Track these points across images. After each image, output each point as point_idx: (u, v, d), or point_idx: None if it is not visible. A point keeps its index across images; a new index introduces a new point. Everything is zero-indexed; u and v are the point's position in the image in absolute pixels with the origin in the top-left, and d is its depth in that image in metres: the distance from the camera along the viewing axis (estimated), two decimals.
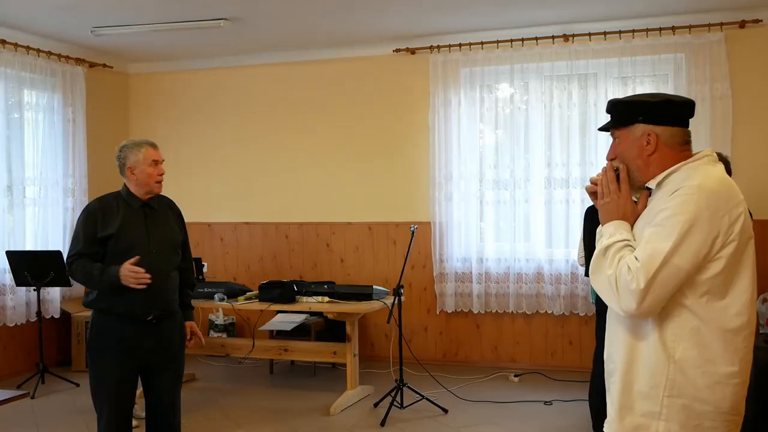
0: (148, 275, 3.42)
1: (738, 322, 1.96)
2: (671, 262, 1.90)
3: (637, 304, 1.92)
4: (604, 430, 2.14)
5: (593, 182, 2.19)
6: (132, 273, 3.40)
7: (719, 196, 1.96)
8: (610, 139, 2.21)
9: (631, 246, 2.00)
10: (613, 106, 2.17)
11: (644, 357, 2.01)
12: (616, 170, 2.14)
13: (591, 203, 5.01)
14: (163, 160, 3.67)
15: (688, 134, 2.11)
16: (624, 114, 2.13)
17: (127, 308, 3.49)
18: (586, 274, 4.76)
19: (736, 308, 1.96)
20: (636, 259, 1.93)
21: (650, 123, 2.08)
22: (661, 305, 1.94)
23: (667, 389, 1.97)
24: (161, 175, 3.62)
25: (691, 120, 2.15)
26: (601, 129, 2.24)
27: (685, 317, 1.96)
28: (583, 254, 4.85)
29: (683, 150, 2.09)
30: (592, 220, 4.72)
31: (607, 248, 2.03)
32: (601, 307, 4.27)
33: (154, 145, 3.66)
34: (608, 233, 2.06)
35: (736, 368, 1.96)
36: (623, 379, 2.05)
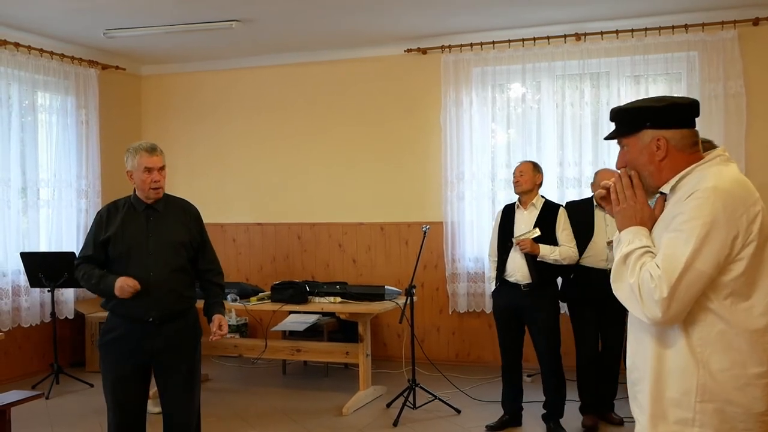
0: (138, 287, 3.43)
1: (764, 322, 1.93)
2: (693, 267, 1.88)
3: (662, 312, 1.89)
4: None
5: (604, 188, 2.15)
6: (127, 287, 3.42)
7: (735, 196, 1.93)
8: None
9: (651, 252, 1.97)
10: (618, 114, 2.13)
11: (673, 364, 1.98)
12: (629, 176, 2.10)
13: (509, 202, 5.11)
14: (162, 167, 3.54)
15: (696, 135, 2.08)
16: (630, 121, 2.09)
17: (127, 310, 3.52)
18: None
19: (761, 308, 1.93)
20: (657, 266, 1.90)
21: (658, 128, 2.04)
22: (686, 311, 1.92)
23: (698, 395, 1.94)
24: (156, 182, 3.52)
25: (703, 119, 2.11)
26: (608, 138, 2.20)
27: (710, 321, 1.93)
28: (494, 249, 5.08)
29: (693, 152, 2.06)
30: (505, 219, 5.05)
31: (627, 256, 1.99)
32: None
33: (151, 151, 3.53)
34: (627, 240, 2.02)
35: (764, 368, 1.93)
36: (653, 388, 2.01)
